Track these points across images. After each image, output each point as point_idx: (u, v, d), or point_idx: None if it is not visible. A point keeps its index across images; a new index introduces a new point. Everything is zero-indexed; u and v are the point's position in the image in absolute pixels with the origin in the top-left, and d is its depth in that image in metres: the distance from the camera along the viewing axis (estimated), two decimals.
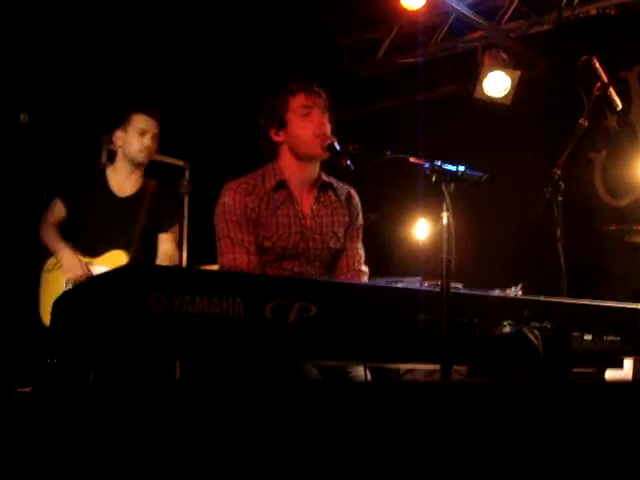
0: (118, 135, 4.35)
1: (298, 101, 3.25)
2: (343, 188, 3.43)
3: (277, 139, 3.28)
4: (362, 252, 3.44)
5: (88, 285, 2.66)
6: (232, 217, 3.15)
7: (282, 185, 3.25)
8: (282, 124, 3.25)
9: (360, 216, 3.45)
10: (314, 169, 3.31)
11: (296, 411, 1.75)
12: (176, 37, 6.28)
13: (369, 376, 3.02)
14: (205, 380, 2.47)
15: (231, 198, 3.18)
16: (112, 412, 1.75)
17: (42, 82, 5.85)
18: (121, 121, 4.35)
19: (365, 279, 3.41)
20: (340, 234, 3.33)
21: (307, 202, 3.29)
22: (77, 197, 4.35)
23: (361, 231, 3.46)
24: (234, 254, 3.13)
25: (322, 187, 3.34)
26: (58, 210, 4.39)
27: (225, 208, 3.18)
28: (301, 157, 3.26)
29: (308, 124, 3.22)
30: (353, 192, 3.46)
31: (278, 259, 3.19)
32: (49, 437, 1.75)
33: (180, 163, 6.22)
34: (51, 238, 4.35)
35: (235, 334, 2.24)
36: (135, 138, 4.30)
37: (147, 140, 4.31)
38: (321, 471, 1.71)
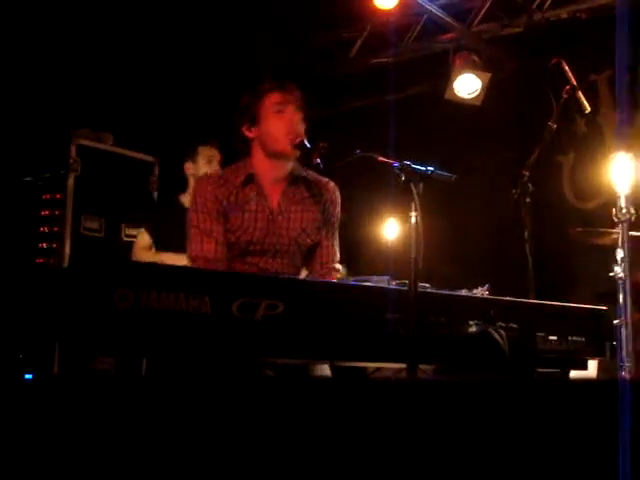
0: (188, 166, 4.98)
1: (272, 99, 3.23)
2: (321, 182, 3.38)
3: (249, 135, 3.28)
4: (337, 249, 3.41)
5: (57, 279, 2.64)
6: (203, 208, 3.18)
7: (251, 179, 3.25)
8: (255, 121, 3.25)
9: (337, 211, 3.39)
10: (285, 166, 3.29)
11: (263, 409, 1.75)
12: (147, 32, 6.24)
13: (330, 374, 3.04)
14: (171, 377, 2.46)
15: (203, 189, 3.21)
16: (78, 407, 1.73)
17: (10, 76, 5.79)
18: (189, 154, 4.97)
19: (337, 277, 3.39)
20: (310, 230, 3.29)
21: (276, 196, 3.28)
22: (159, 225, 4.82)
23: (337, 227, 3.41)
24: (202, 243, 3.15)
25: (293, 182, 3.31)
26: (144, 240, 4.89)
27: (196, 199, 3.21)
28: (272, 154, 3.25)
29: (280, 122, 3.21)
30: (332, 185, 3.40)
31: (243, 253, 3.20)
32: (14, 433, 1.74)
33: (149, 158, 6.17)
34: (148, 256, 4.81)
35: (201, 331, 2.23)
36: (205, 166, 4.90)
37: (215, 166, 4.90)
38: (290, 468, 1.71)
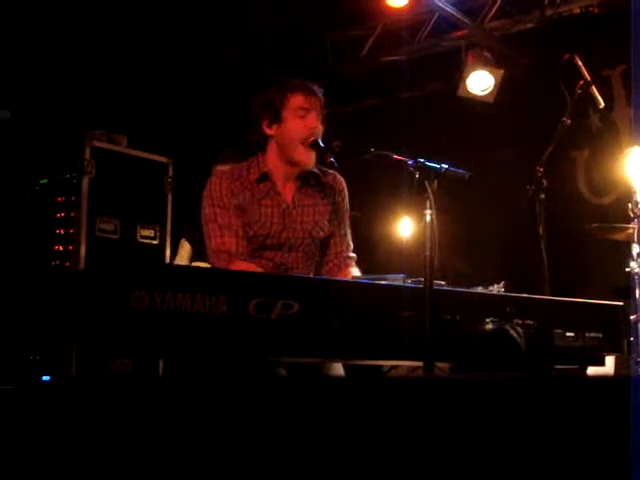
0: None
1: (297, 101, 3.22)
2: (329, 175, 3.39)
3: (269, 132, 3.26)
4: (350, 239, 3.44)
5: (73, 281, 2.64)
6: (219, 202, 3.18)
7: (265, 177, 3.26)
8: (276, 119, 3.24)
9: (346, 201, 3.42)
10: (299, 167, 3.31)
11: (277, 408, 1.75)
12: (159, 33, 6.26)
13: (343, 373, 3.05)
14: (189, 377, 2.47)
15: (217, 184, 3.20)
16: (93, 409, 1.74)
17: (24, 78, 5.82)
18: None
19: (354, 264, 3.40)
20: (322, 223, 3.32)
21: (289, 193, 3.29)
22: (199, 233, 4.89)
23: (347, 217, 3.44)
24: (222, 237, 3.15)
25: (305, 178, 3.33)
26: (185, 250, 5.00)
27: (212, 194, 3.20)
28: (287, 158, 3.26)
29: (302, 127, 3.19)
30: (339, 178, 3.42)
31: (260, 248, 3.21)
32: (32, 435, 1.74)
33: (163, 160, 6.18)
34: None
35: (218, 331, 2.24)
36: None
37: None
38: (302, 468, 1.71)
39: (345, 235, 3.42)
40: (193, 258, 4.90)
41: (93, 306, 2.17)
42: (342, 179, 3.44)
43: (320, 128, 3.24)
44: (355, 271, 3.35)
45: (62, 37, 5.92)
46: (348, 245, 3.43)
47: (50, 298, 4.90)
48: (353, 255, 3.43)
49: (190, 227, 5.00)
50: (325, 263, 3.38)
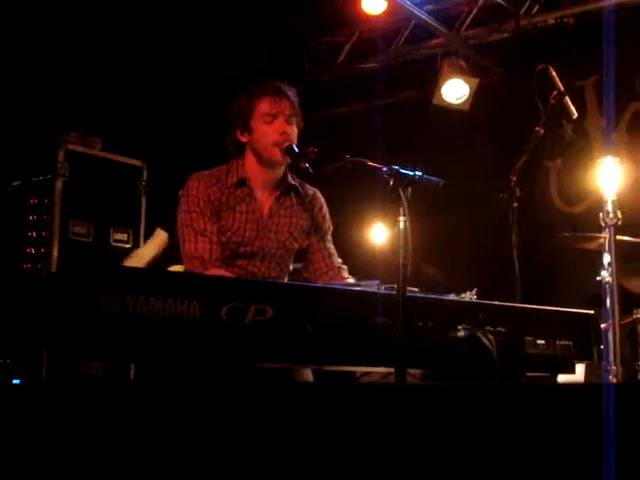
0: None
1: (263, 108, 3.24)
2: (309, 190, 3.44)
3: (242, 139, 3.30)
4: (334, 252, 3.47)
5: (44, 284, 2.63)
6: (195, 207, 3.18)
7: (243, 183, 3.27)
8: (246, 127, 3.27)
9: (327, 217, 3.47)
10: (277, 172, 3.33)
11: (251, 414, 1.75)
12: (134, 37, 6.24)
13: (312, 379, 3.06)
14: (160, 382, 2.46)
15: (195, 189, 3.21)
16: (63, 413, 1.73)
17: None
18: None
19: (346, 273, 3.44)
20: (297, 235, 3.34)
21: (267, 202, 3.31)
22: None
23: (330, 233, 3.48)
24: (196, 243, 3.15)
25: (285, 189, 3.35)
26: (160, 239, 4.96)
27: (189, 199, 3.20)
28: (263, 161, 3.28)
29: (270, 131, 3.22)
30: (318, 195, 3.46)
31: (233, 256, 3.21)
32: (2, 439, 1.73)
33: (137, 163, 6.15)
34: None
35: (190, 336, 2.23)
36: None
37: None
38: (276, 474, 1.71)
39: (330, 248, 3.46)
40: (167, 250, 4.83)
41: (64, 309, 2.15)
42: (321, 195, 3.48)
43: (292, 130, 3.26)
44: (351, 281, 3.37)
45: (36, 39, 5.89)
46: (335, 256, 3.46)
47: (21, 301, 4.85)
48: (344, 266, 3.46)
49: (170, 218, 4.95)
50: (319, 277, 3.40)
